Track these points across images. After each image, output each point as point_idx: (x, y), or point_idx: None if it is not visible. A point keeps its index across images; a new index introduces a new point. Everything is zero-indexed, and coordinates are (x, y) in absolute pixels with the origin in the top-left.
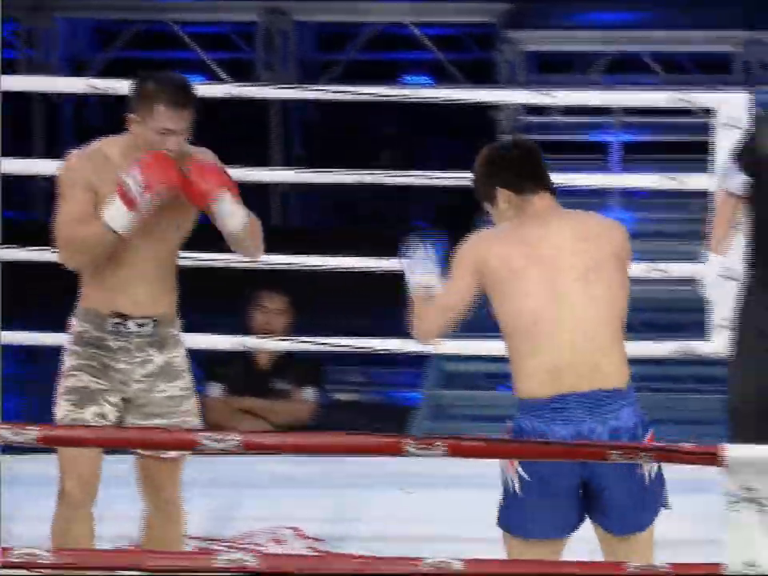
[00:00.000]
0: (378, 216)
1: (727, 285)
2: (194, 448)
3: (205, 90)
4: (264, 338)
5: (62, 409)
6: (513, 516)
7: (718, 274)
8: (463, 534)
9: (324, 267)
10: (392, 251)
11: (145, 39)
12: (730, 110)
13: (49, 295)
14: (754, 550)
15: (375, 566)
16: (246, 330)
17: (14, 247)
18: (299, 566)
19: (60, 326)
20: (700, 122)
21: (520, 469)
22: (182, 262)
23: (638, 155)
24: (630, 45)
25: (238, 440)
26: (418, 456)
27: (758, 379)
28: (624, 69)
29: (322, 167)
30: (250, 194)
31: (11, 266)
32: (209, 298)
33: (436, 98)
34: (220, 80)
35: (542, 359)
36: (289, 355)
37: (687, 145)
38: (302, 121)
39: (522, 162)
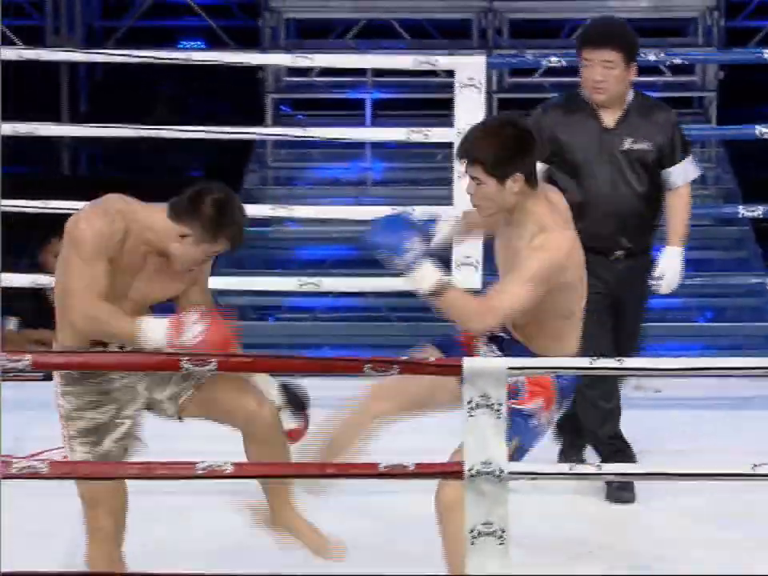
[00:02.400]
0: (157, 166)
1: None
2: None
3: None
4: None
5: (79, 452)
6: None
7: None
8: (232, 446)
9: None
10: (166, 198)
11: None
12: (468, 71)
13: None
14: (489, 450)
15: (155, 470)
16: (37, 271)
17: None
18: (84, 471)
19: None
20: (443, 82)
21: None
22: None
23: (388, 111)
24: (380, 13)
25: (28, 360)
26: (193, 371)
27: None
28: (375, 34)
29: (106, 122)
30: (40, 147)
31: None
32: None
33: (207, 60)
34: (12, 44)
35: None
36: None
37: (433, 102)
38: (89, 80)
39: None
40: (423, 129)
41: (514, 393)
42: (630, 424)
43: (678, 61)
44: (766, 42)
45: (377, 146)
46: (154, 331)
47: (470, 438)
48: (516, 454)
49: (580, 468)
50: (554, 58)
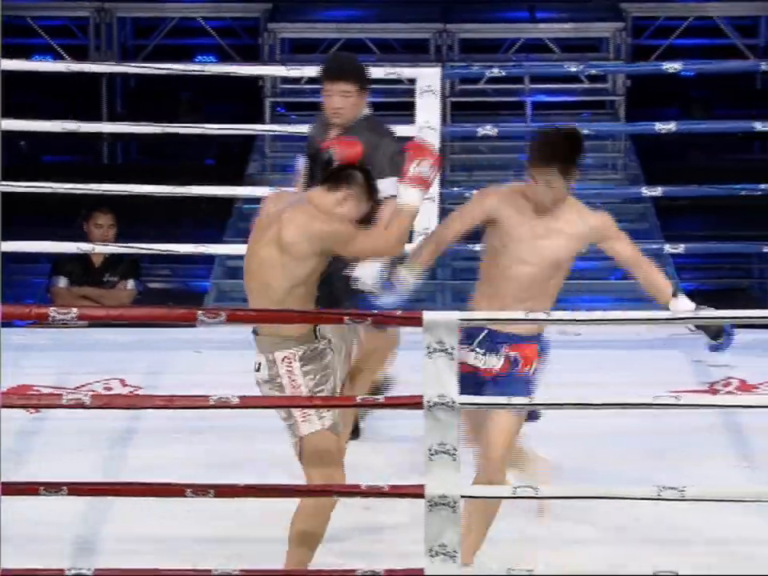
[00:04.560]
0: (178, 156)
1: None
2: (45, 320)
3: (52, 66)
4: (97, 243)
5: (327, 417)
6: None
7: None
8: (238, 380)
9: (140, 192)
10: (189, 182)
11: (7, 29)
12: (426, 79)
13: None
14: (444, 386)
15: (174, 402)
16: (83, 239)
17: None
18: (120, 403)
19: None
20: (407, 88)
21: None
22: (32, 190)
23: None
24: (356, 33)
25: (75, 313)
26: (207, 324)
27: None
28: (352, 50)
29: (138, 121)
30: (86, 141)
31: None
32: (53, 216)
33: (219, 72)
34: (63, 59)
35: None
36: (116, 255)
37: (398, 104)
38: (124, 88)
39: None
40: (391, 126)
41: (510, 365)
42: (556, 361)
43: (594, 72)
44: (664, 56)
45: None
46: (411, 196)
47: (428, 376)
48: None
49: (516, 399)
50: (495, 70)
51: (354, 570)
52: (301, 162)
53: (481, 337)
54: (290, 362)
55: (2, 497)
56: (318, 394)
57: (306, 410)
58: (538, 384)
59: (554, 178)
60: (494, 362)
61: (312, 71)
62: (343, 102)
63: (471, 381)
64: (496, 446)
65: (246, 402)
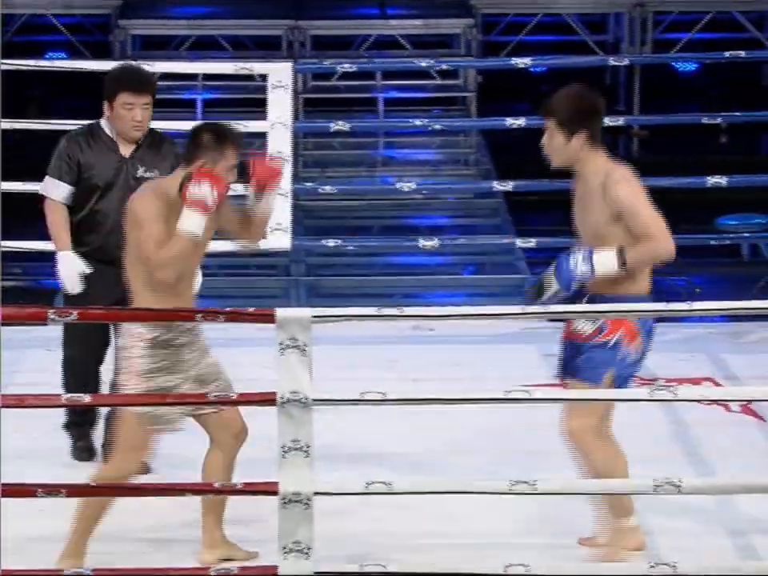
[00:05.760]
0: (30, 154)
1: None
2: None
3: None
4: None
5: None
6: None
7: None
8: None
9: None
10: (41, 179)
11: None
12: (278, 75)
13: None
14: (298, 381)
15: (26, 401)
16: None
17: None
18: None
19: None
20: (259, 84)
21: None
22: None
23: (215, 108)
24: (208, 30)
25: None
26: (58, 323)
27: None
28: (204, 47)
29: None
30: None
31: None
32: None
33: (69, 68)
34: None
35: None
36: None
37: (251, 100)
38: None
39: None
40: (243, 122)
41: (598, 331)
42: (410, 357)
43: (445, 67)
44: (514, 53)
45: None
46: (193, 223)
47: (281, 372)
48: (617, 382)
49: (370, 395)
50: (346, 65)
51: (207, 568)
52: (64, 190)
53: (584, 302)
54: (139, 339)
55: None
56: (148, 382)
57: (132, 382)
58: (621, 356)
59: (553, 130)
60: (585, 326)
61: (163, 67)
62: (143, 114)
63: (571, 347)
64: (569, 418)
65: (98, 400)
